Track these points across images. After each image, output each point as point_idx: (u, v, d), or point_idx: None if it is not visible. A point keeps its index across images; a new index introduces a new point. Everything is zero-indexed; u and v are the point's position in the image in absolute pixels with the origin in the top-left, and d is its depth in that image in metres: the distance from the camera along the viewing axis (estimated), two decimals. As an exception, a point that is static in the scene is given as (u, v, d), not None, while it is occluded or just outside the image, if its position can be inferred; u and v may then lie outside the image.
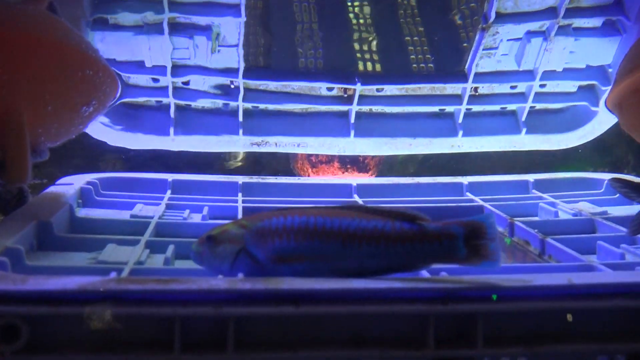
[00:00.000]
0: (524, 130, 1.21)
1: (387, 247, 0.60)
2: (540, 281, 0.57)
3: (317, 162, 1.35)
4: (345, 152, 1.26)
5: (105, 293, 0.53)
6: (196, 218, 0.99)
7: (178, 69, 1.18)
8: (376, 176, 1.38)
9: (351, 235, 0.61)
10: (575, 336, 0.57)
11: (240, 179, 1.19)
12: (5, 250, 0.65)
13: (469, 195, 1.15)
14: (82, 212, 0.97)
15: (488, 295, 0.56)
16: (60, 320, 0.53)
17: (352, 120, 1.23)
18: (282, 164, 1.39)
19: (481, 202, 1.09)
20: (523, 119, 1.22)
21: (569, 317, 0.57)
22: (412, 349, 0.56)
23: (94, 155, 1.39)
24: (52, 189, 1.00)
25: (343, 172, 1.34)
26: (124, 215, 0.98)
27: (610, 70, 1.17)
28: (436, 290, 0.56)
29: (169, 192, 1.12)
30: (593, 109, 1.21)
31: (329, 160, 1.33)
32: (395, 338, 0.57)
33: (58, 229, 0.82)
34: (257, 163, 1.45)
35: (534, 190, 1.16)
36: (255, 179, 1.20)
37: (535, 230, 0.88)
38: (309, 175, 1.38)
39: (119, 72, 1.14)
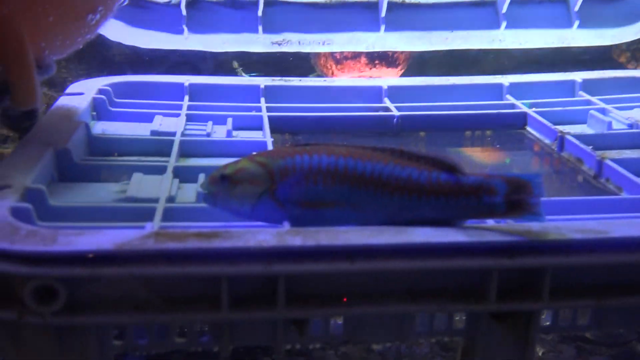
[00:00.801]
0: (577, 23, 1.09)
1: (421, 200, 0.55)
2: (617, 232, 0.52)
3: (342, 58, 1.24)
4: (375, 48, 1.15)
5: (144, 253, 0.49)
6: (219, 131, 0.92)
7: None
8: (405, 70, 1.28)
9: (384, 183, 0.55)
10: (646, 286, 0.54)
11: (262, 82, 1.09)
12: (27, 192, 0.60)
13: (510, 99, 1.06)
14: (98, 128, 0.90)
15: (558, 247, 0.51)
16: (99, 280, 0.50)
17: (383, 13, 1.10)
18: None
19: (524, 108, 1.01)
20: (576, 8, 1.08)
21: None
22: (472, 302, 0.53)
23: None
24: (62, 101, 0.92)
25: (370, 68, 1.24)
26: (143, 129, 0.91)
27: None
28: (502, 243, 0.51)
29: (186, 98, 1.04)
30: (657, -2, 1.07)
31: (355, 55, 1.22)
32: (453, 291, 0.53)
33: (77, 154, 0.76)
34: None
35: (581, 92, 1.06)
36: (277, 81, 1.11)
37: (591, 148, 0.81)
38: (332, 73, 1.28)
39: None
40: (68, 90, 0.98)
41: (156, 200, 0.64)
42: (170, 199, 0.66)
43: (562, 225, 0.53)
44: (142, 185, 0.68)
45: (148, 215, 0.61)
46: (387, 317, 0.55)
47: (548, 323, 0.56)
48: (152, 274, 0.49)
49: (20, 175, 0.63)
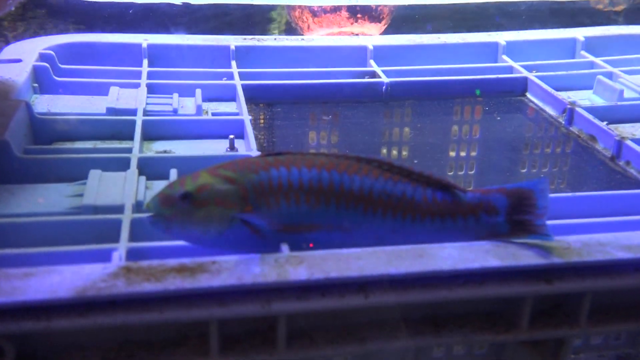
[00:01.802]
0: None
1: (415, 221, 0.47)
2: (668, 249, 0.45)
3: (320, 10, 1.11)
4: (358, 2, 1.02)
5: (113, 299, 0.39)
6: (187, 106, 0.81)
7: None
8: (389, 25, 1.16)
9: (374, 201, 0.47)
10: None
11: (232, 42, 0.97)
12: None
13: (507, 60, 0.97)
14: (42, 104, 0.77)
15: (601, 269, 0.45)
16: (56, 332, 0.40)
17: (369, -38, 0.97)
18: None
19: (524, 72, 0.92)
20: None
21: None
22: (501, 331, 0.46)
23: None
24: (-4, 71, 0.78)
25: (352, 23, 1.12)
26: (97, 105, 0.78)
27: None
28: (540, 267, 0.44)
29: (145, 62, 0.91)
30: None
31: (335, 9, 1.10)
32: (479, 317, 0.46)
33: (18, 145, 0.63)
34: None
35: (583, 52, 0.98)
36: (250, 41, 0.98)
37: (605, 124, 0.74)
38: (308, 27, 1.15)
39: None
40: (1, 56, 0.83)
41: (120, 209, 0.54)
42: (138, 206, 0.55)
43: (605, 240, 0.46)
44: (101, 187, 0.57)
45: (112, 230, 0.50)
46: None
47: (579, 343, 0.51)
48: (123, 322, 0.40)
49: (-54, 183, 0.51)
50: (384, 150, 0.91)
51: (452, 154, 0.94)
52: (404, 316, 0.45)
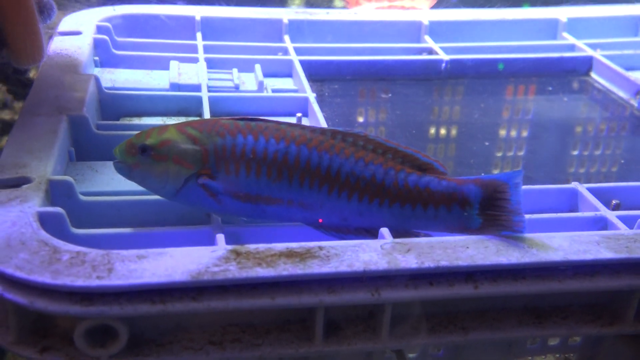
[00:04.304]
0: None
1: (382, 206, 0.46)
2: None
3: (371, -16, 1.08)
4: (413, -25, 0.99)
5: (227, 283, 0.39)
6: (249, 81, 0.79)
7: None
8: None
9: (341, 182, 0.46)
10: None
11: (285, 15, 0.94)
12: (51, 187, 0.48)
13: (568, 38, 0.94)
14: (105, 78, 0.76)
15: None
16: (167, 315, 0.40)
17: None
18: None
19: (589, 51, 0.89)
20: None
21: None
22: (606, 324, 0.45)
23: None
24: (58, 44, 0.76)
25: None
26: (159, 79, 0.77)
27: None
28: (652, 259, 0.43)
29: (199, 36, 0.89)
30: None
31: (386, -18, 1.07)
32: (581, 309, 0.45)
33: (92, 121, 0.62)
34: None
35: (646, 32, 0.95)
36: (302, 15, 0.96)
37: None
38: (357, 0, 1.12)
39: None
40: (61, 28, 0.82)
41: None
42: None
43: None
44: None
45: (195, 212, 0.50)
46: (498, 334, 0.47)
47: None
48: (236, 307, 0.39)
49: (36, 160, 0.50)
50: (442, 131, 0.89)
51: (513, 133, 0.89)
52: (507, 305, 0.45)
